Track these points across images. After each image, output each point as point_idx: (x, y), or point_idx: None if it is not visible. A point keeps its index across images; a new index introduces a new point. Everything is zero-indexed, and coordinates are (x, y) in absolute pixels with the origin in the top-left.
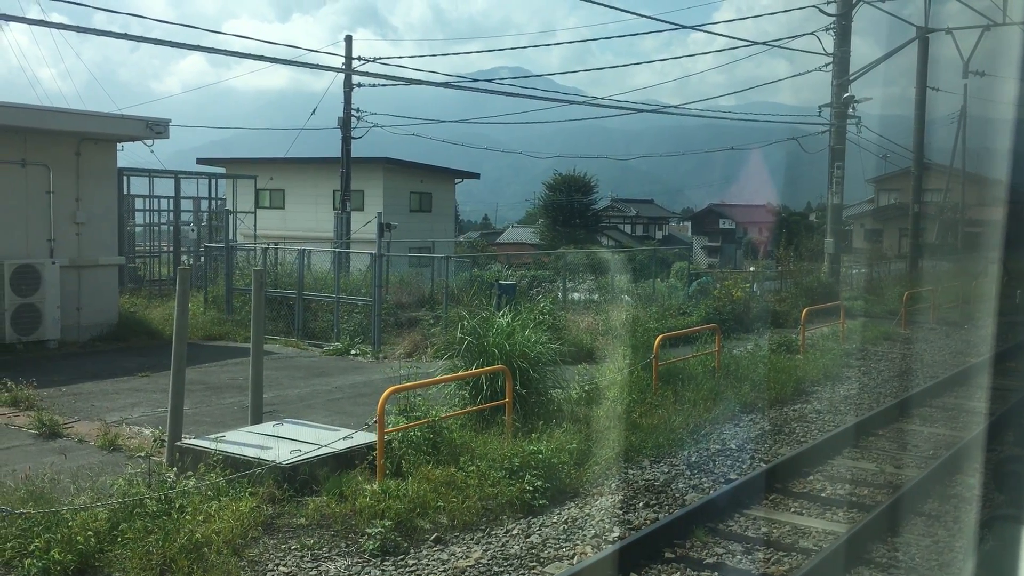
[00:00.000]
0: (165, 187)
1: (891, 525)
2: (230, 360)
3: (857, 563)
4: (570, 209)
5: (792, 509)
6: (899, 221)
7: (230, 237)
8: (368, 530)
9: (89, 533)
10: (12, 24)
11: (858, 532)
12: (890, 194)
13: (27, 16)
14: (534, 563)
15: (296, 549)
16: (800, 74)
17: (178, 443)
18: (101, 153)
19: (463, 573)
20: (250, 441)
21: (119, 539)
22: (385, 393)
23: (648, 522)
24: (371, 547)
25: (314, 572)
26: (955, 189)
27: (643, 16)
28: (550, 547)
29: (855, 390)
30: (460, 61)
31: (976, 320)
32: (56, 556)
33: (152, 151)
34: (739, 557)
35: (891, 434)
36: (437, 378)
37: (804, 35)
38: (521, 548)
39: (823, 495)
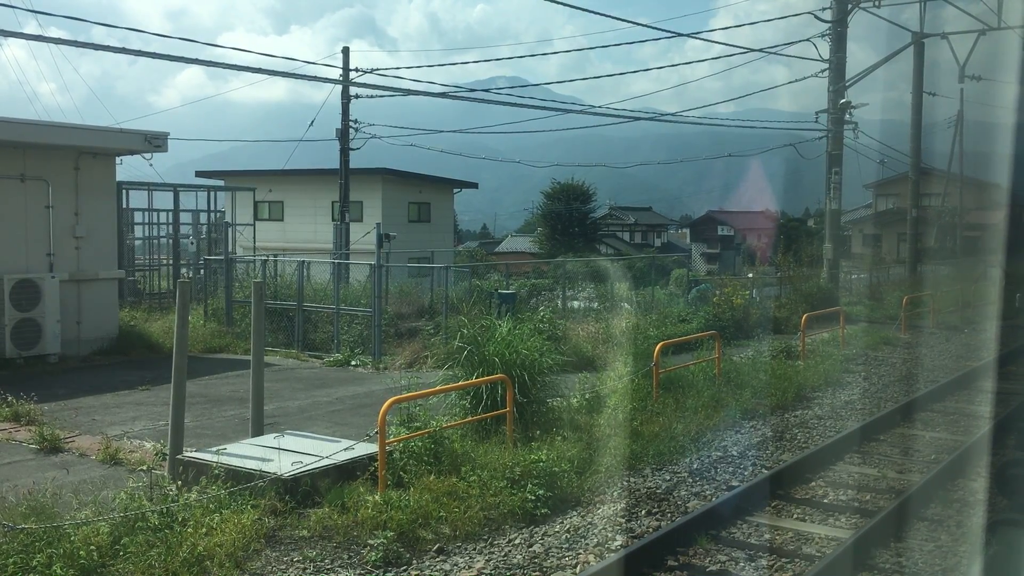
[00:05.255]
0: (164, 200)
1: (895, 530)
2: (231, 372)
3: (861, 569)
4: (569, 218)
5: (795, 515)
6: (898, 226)
7: (229, 249)
8: (370, 541)
9: (91, 548)
10: (11, 40)
11: (861, 537)
12: (888, 199)
13: (25, 31)
14: (537, 572)
15: (298, 561)
16: (797, 80)
17: (179, 456)
18: (100, 167)
19: None
20: (251, 453)
21: (121, 553)
22: (386, 404)
23: (651, 530)
24: (373, 558)
25: None
26: (953, 193)
27: (640, 24)
28: (553, 556)
29: (856, 395)
30: (457, 71)
31: (976, 324)
32: (58, 571)
33: (151, 164)
34: (742, 564)
35: (893, 439)
36: (437, 388)
37: (800, 41)
38: (524, 557)
39: (826, 501)
